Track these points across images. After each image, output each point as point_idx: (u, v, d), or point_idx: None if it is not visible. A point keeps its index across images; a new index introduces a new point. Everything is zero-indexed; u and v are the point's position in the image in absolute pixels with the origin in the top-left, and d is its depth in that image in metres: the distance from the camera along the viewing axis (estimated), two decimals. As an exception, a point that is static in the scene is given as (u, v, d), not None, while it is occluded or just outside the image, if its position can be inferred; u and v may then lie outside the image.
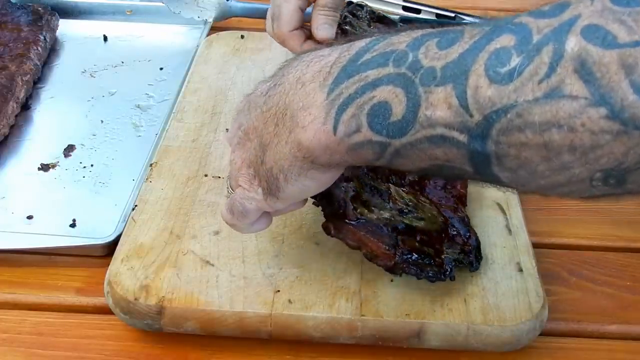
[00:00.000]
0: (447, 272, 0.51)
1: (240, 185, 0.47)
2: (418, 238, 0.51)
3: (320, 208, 0.52)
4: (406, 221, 0.52)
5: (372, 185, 0.53)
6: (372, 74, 0.39)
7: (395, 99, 0.38)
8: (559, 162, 0.34)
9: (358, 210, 0.51)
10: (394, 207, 0.53)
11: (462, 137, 0.36)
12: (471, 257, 0.53)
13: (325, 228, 0.51)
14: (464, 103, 0.35)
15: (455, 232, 0.54)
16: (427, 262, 0.50)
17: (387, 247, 0.50)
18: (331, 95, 0.40)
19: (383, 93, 0.38)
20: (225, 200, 0.49)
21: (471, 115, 0.35)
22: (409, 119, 0.37)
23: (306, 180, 0.44)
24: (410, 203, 0.54)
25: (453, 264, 0.51)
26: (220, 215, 0.50)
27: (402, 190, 0.55)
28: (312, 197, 0.50)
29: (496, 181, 0.38)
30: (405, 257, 0.50)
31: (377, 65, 0.39)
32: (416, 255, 0.50)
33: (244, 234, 0.52)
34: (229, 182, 0.49)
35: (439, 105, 0.36)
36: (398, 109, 0.38)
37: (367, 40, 0.41)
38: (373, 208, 0.52)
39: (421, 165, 0.39)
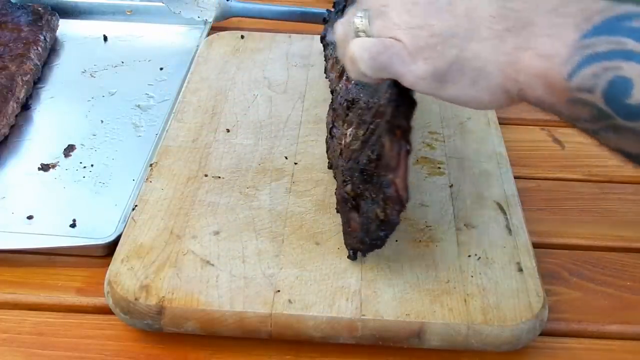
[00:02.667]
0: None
1: (399, 40, 0.43)
2: None
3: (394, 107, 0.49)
4: None
5: None
6: (631, 44, 0.37)
7: None
8: None
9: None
10: None
11: None
12: None
13: (390, 125, 0.48)
14: None
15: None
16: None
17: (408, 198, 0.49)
18: (583, 42, 0.38)
19: (632, 70, 0.37)
20: (354, 35, 0.45)
21: None
22: None
23: (489, 95, 0.42)
24: None
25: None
26: (345, 45, 0.46)
27: None
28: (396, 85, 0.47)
29: None
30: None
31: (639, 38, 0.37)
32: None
33: (352, 77, 0.48)
34: (369, 13, 0.45)
35: None
36: (639, 94, 0.36)
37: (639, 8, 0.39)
38: None
39: (628, 150, 0.39)
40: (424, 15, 0.43)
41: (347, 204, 0.53)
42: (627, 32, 0.37)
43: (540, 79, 0.40)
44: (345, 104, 0.61)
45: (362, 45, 0.45)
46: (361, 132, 0.54)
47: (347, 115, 0.60)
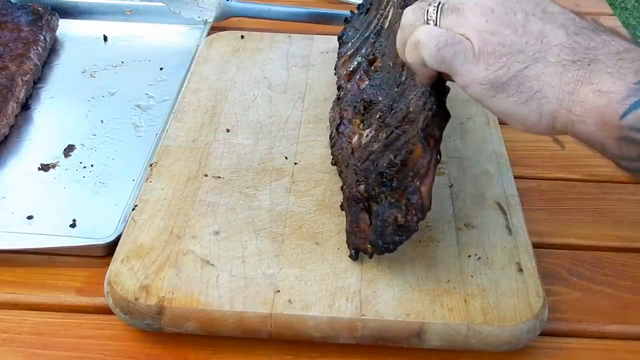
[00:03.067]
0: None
1: (468, 39, 0.44)
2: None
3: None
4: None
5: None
6: None
7: None
8: None
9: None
10: None
11: None
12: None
13: (426, 133, 0.49)
14: None
15: None
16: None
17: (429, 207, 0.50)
18: (639, 85, 0.40)
19: None
20: (423, 21, 0.46)
21: None
22: None
23: (537, 118, 0.43)
24: None
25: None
26: (412, 30, 0.46)
27: None
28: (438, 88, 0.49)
29: None
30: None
31: None
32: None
33: (408, 61, 0.49)
34: (445, 6, 0.46)
35: None
36: None
37: None
38: None
39: None
40: (498, 23, 0.44)
41: (359, 204, 0.53)
42: None
43: (594, 113, 0.41)
44: (361, 104, 0.61)
45: (431, 32, 0.46)
46: (384, 134, 0.55)
47: (364, 115, 0.60)
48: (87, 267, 0.57)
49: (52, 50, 0.85)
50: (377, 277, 0.52)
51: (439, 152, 0.50)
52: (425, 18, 0.47)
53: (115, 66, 0.83)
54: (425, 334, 0.49)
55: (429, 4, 0.47)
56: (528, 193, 0.66)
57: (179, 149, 0.65)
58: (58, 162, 0.68)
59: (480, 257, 0.54)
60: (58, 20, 0.87)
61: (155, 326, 0.50)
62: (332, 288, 0.51)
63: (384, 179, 0.52)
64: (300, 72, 0.77)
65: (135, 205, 0.58)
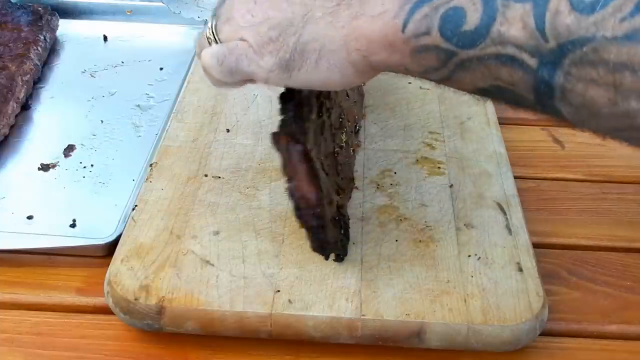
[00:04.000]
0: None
1: (244, 40, 0.44)
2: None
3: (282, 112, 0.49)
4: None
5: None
6: None
7: (472, 7, 0.36)
8: (624, 107, 0.33)
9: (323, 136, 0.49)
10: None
11: (532, 62, 0.35)
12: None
13: (274, 135, 0.48)
14: (540, 26, 0.34)
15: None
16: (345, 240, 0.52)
17: (318, 198, 0.48)
18: None
19: None
20: (207, 45, 0.46)
21: (546, 41, 0.34)
22: (482, 32, 0.36)
23: (338, 72, 0.42)
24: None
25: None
26: (200, 57, 0.47)
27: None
28: (281, 97, 0.48)
29: (555, 114, 0.37)
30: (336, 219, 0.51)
31: None
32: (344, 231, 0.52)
33: (214, 86, 0.50)
34: (215, 22, 0.46)
35: (515, 24, 0.35)
36: (472, 18, 0.36)
37: None
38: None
39: (482, 85, 0.38)
40: (263, 11, 0.44)
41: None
42: None
43: (379, 40, 0.40)
44: None
45: (210, 53, 0.47)
46: None
47: None
48: (87, 267, 0.57)
49: (52, 50, 0.85)
50: (377, 277, 0.52)
51: (297, 142, 0.48)
52: (207, 42, 0.47)
53: (115, 66, 0.83)
54: (425, 334, 0.49)
55: (207, 27, 0.48)
56: (528, 193, 0.66)
57: (179, 149, 0.65)
58: (58, 162, 0.68)
59: (480, 257, 0.54)
60: (58, 20, 0.87)
61: (155, 326, 0.50)
62: (332, 288, 0.51)
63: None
64: (300, 72, 0.77)
65: (135, 205, 0.58)
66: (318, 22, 0.42)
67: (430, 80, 0.42)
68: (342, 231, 0.54)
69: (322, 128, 0.54)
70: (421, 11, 0.38)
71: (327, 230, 0.50)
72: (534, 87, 0.36)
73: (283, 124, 0.48)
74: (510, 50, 0.35)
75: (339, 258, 0.53)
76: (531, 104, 0.37)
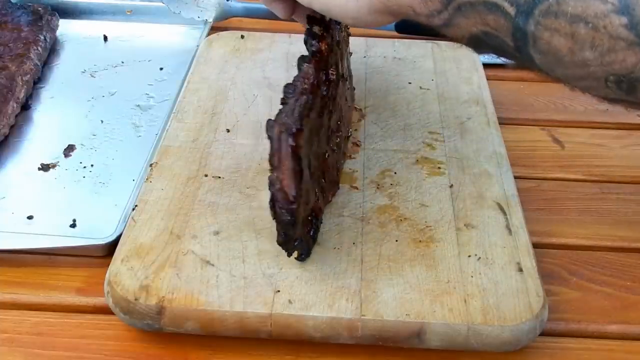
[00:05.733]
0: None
1: None
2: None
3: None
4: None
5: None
6: None
7: None
8: (580, 56, 0.37)
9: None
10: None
11: (511, 10, 0.39)
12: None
13: (270, 122, 0.48)
14: None
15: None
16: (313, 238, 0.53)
17: (295, 195, 0.48)
18: None
19: None
20: None
21: None
22: None
23: (354, 3, 0.48)
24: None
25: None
26: None
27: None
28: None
29: (531, 62, 0.41)
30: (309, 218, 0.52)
31: None
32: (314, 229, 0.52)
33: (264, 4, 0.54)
34: None
35: None
36: None
37: None
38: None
39: (474, 30, 0.42)
40: None
41: None
42: None
43: None
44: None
45: None
46: None
47: None
48: (87, 267, 0.57)
49: (52, 50, 0.85)
50: (377, 277, 0.52)
51: (293, 136, 0.48)
52: None
53: (115, 66, 0.83)
54: (425, 334, 0.49)
55: None
56: (528, 193, 0.66)
57: (179, 149, 0.65)
58: (58, 162, 0.68)
59: (480, 257, 0.54)
60: (58, 20, 0.87)
61: (155, 326, 0.50)
62: (332, 288, 0.51)
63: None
64: (300, 72, 0.77)
65: (135, 205, 0.58)
66: None
67: (434, 25, 0.47)
68: (312, 232, 0.54)
69: (319, 129, 0.54)
70: None
71: (297, 228, 0.50)
72: (512, 34, 0.40)
73: (282, 114, 0.49)
74: None
75: (301, 258, 0.53)
76: (512, 51, 0.42)
